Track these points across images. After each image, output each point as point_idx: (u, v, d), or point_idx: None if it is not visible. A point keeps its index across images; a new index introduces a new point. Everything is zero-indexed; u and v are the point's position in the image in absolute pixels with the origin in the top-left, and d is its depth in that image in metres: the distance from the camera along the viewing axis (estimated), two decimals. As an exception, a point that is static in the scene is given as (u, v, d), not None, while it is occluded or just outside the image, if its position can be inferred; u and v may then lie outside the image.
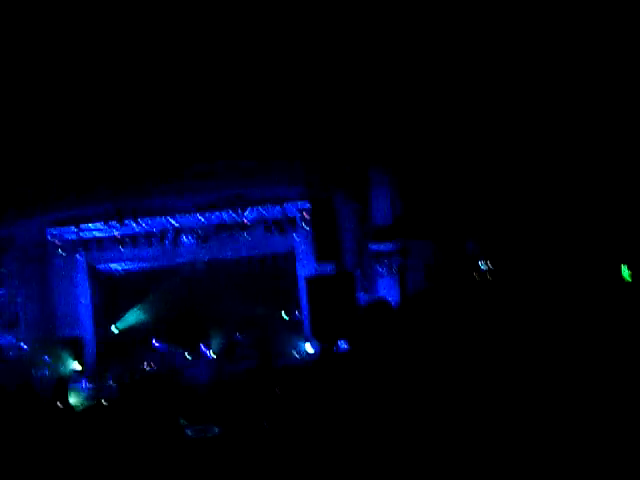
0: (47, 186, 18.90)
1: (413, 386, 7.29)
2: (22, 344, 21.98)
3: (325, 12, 11.77)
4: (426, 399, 6.86)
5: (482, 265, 16.07)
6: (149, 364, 22.38)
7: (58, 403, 19.34)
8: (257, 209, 21.76)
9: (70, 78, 13.15)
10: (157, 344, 23.02)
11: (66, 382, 21.01)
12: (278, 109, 15.36)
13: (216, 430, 17.47)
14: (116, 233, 22.34)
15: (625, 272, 11.18)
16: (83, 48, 12.20)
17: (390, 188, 18.18)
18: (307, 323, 20.71)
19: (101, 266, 23.82)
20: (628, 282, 10.65)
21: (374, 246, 18.52)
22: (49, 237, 22.61)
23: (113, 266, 23.96)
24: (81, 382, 21.41)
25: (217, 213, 22.05)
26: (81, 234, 22.46)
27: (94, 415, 18.13)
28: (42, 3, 10.52)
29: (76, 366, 22.23)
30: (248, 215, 21.80)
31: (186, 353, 22.88)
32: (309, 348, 20.95)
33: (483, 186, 16.30)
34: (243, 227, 21.94)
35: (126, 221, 21.97)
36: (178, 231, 22.38)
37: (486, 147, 15.62)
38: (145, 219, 22.12)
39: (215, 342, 22.89)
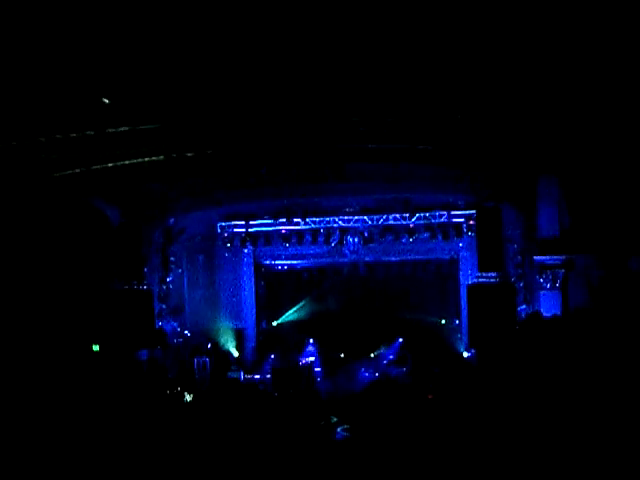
0: (221, 181, 19.93)
1: (567, 401, 7.75)
2: (186, 332, 23.16)
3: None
4: (581, 417, 7.33)
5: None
6: (305, 362, 23.20)
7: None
8: (424, 215, 22.25)
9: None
10: (311, 345, 23.71)
11: (226, 371, 22.24)
12: (452, 118, 15.65)
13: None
14: (283, 230, 23.22)
15: None
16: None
17: (558, 200, 18.18)
18: (465, 331, 20.98)
19: (266, 261, 25.07)
20: None
21: (538, 258, 18.53)
22: (218, 230, 24.01)
23: (277, 262, 24.94)
24: (239, 372, 22.37)
25: (384, 216, 22.75)
26: (250, 229, 23.48)
27: (249, 404, 19.21)
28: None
29: (235, 353, 23.38)
30: (414, 220, 22.24)
31: (341, 354, 23.52)
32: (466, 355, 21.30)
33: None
34: (408, 231, 22.44)
35: (294, 219, 22.81)
36: (344, 231, 23.14)
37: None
38: (312, 218, 22.99)
39: (374, 345, 23.38)
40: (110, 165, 17.31)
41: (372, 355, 23.16)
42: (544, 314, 15.15)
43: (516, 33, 12.00)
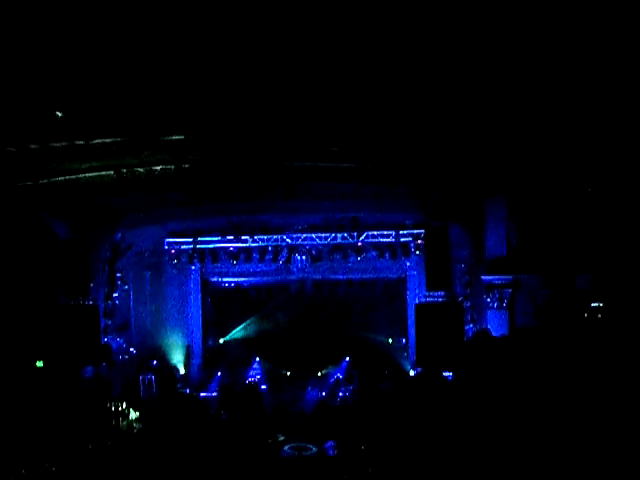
0: (169, 197, 19.86)
1: (514, 420, 7.85)
2: (132, 349, 22.96)
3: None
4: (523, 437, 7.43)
5: (593, 303, 16.24)
6: (251, 380, 23.17)
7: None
8: (372, 234, 22.35)
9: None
10: (257, 363, 23.70)
11: (171, 388, 22.11)
12: (399, 139, 15.80)
13: (314, 449, 18.23)
14: (231, 247, 23.17)
15: None
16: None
17: (505, 221, 18.44)
18: (412, 349, 21.08)
19: (213, 278, 24.95)
20: None
21: (486, 278, 18.75)
22: (166, 246, 23.79)
23: (225, 279, 24.86)
24: (185, 390, 22.29)
25: (332, 235, 22.78)
26: (197, 246, 23.38)
27: (197, 422, 19.15)
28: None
29: (181, 370, 23.25)
30: (362, 239, 22.34)
31: (288, 373, 23.53)
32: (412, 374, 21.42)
33: (598, 223, 16.49)
34: (356, 250, 22.54)
35: (242, 237, 22.79)
36: (292, 249, 23.16)
37: (603, 184, 15.83)
38: (261, 236, 22.96)
39: (321, 363, 23.39)
40: (59, 179, 17.18)
41: (319, 374, 23.16)
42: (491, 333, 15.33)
43: (462, 54, 12.21)
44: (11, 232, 17.83)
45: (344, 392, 21.84)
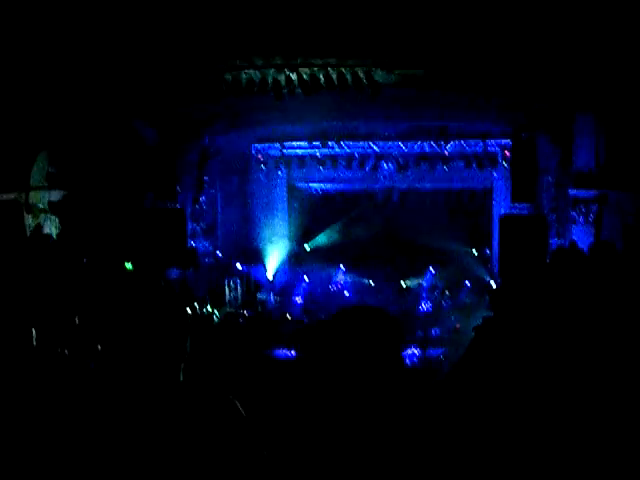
0: (257, 102, 20.04)
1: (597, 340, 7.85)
2: (218, 252, 23.44)
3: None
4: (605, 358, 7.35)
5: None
6: (335, 287, 23.57)
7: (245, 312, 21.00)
8: (459, 143, 22.27)
9: None
10: (341, 270, 23.95)
11: (255, 294, 22.64)
12: (492, 46, 15.64)
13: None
14: (318, 153, 23.32)
15: None
16: None
17: (595, 134, 18.07)
18: (496, 261, 21.10)
19: (300, 184, 25.26)
20: None
21: (572, 191, 18.53)
22: (253, 151, 24.13)
23: (311, 185, 25.13)
24: (269, 295, 22.78)
25: (419, 143, 22.79)
26: (284, 151, 23.59)
27: (278, 326, 19.66)
28: None
29: (265, 275, 23.71)
30: (449, 148, 22.28)
31: (371, 281, 23.75)
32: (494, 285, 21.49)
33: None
34: (443, 159, 22.50)
35: (329, 143, 22.90)
36: (378, 157, 23.25)
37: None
38: (347, 142, 23.03)
39: (404, 273, 23.58)
40: (148, 83, 17.49)
41: (403, 284, 23.32)
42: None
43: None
44: (101, 137, 18.28)
45: (426, 302, 22.05)
